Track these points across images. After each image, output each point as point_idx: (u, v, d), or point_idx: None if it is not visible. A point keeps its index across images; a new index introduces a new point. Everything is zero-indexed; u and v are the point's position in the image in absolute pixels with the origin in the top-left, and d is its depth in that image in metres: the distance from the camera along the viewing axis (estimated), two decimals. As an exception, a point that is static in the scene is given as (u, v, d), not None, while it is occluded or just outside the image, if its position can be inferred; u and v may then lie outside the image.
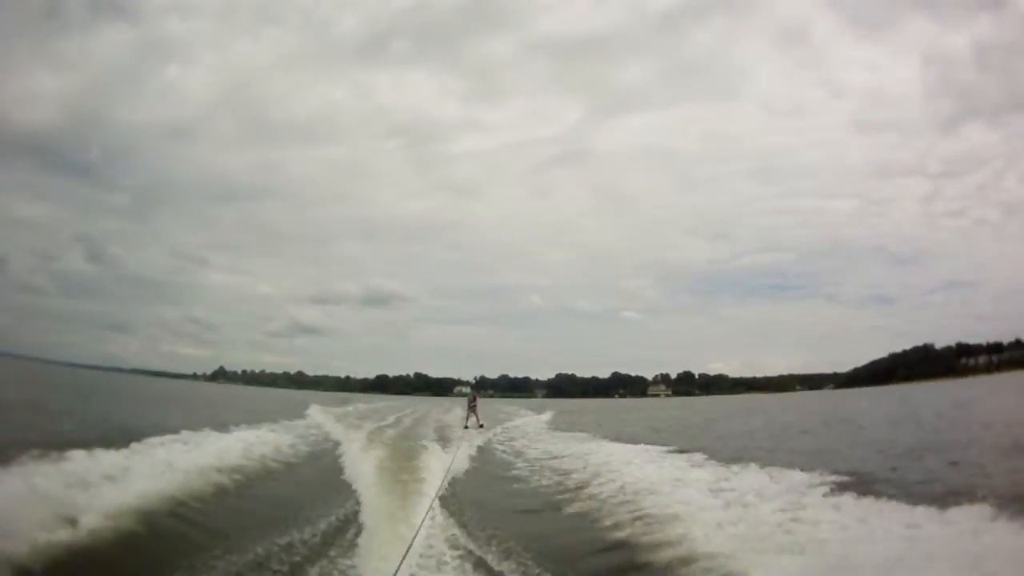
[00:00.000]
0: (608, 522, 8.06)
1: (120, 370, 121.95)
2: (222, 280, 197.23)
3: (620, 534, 7.48)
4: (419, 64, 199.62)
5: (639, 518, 7.82)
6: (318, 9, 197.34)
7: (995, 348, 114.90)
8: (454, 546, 6.87)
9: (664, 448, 14.39)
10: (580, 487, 10.63)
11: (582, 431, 22.71)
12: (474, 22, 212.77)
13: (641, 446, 15.25)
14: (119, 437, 10.23)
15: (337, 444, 16.23)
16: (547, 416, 33.31)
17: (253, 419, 17.87)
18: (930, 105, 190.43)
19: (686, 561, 6.06)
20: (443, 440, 18.32)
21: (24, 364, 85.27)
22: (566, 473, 12.26)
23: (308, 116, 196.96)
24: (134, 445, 9.83)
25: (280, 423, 18.55)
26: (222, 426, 14.60)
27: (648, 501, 8.51)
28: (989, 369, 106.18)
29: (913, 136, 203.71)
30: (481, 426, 23.24)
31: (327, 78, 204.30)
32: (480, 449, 16.78)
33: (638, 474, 10.69)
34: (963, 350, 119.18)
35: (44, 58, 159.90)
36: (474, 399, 25.08)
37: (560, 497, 10.18)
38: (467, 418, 23.87)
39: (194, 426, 13.32)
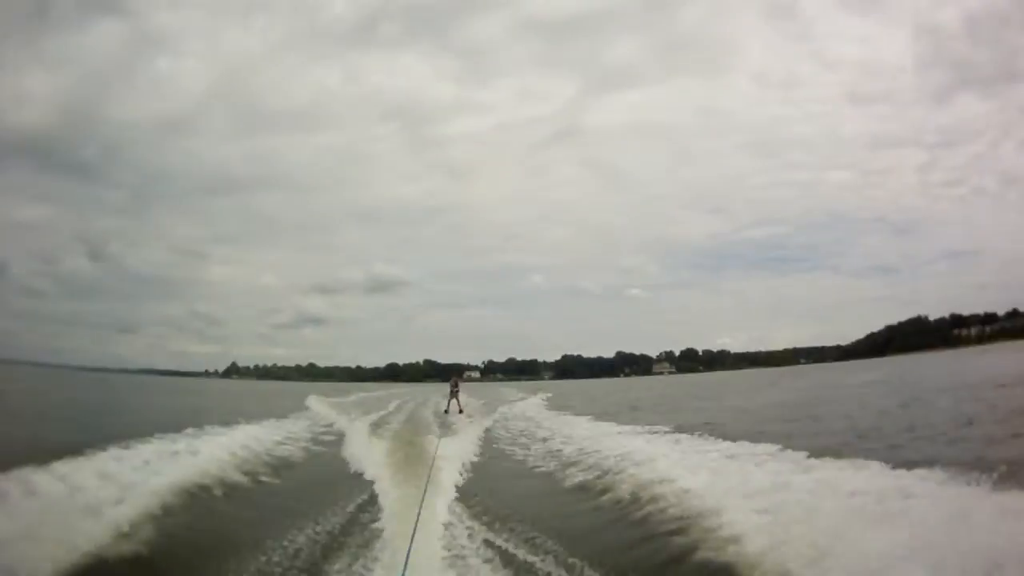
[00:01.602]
0: (593, 493, 9.09)
1: (127, 371, 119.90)
2: (224, 273, 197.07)
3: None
4: (409, 46, 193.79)
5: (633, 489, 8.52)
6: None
7: (989, 319, 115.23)
8: (463, 528, 7.26)
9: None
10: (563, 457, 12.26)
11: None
12: (463, 2, 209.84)
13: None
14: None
15: (341, 434, 16.58)
16: (540, 397, 35.12)
17: (256, 415, 18.33)
18: (923, 76, 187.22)
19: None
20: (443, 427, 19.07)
21: (29, 369, 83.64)
22: (549, 448, 13.88)
23: (301, 103, 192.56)
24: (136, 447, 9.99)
25: (282, 418, 19.08)
26: (226, 422, 15.02)
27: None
28: (981, 340, 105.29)
29: (907, 107, 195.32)
30: (460, 411, 22.84)
31: (318, 64, 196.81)
32: (473, 430, 17.51)
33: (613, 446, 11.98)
34: (957, 321, 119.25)
35: (36, 57, 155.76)
36: (455, 384, 24.70)
37: (543, 467, 11.83)
38: (448, 403, 23.75)
39: (199, 422, 13.82)
